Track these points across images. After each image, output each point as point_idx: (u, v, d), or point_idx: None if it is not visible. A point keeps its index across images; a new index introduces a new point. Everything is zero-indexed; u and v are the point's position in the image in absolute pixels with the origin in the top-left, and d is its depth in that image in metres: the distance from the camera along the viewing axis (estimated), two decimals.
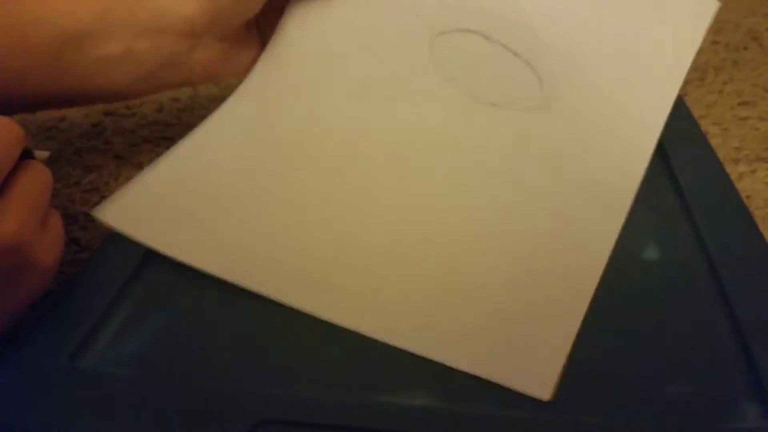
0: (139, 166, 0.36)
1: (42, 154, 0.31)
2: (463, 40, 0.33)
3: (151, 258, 0.27)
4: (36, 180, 0.23)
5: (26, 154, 0.23)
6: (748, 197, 0.33)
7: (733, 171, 0.35)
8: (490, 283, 0.26)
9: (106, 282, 0.26)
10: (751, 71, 0.43)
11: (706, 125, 0.38)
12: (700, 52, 0.34)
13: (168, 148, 0.32)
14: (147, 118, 0.40)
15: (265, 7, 0.33)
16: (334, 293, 0.25)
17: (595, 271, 0.26)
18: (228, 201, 0.28)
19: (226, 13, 0.30)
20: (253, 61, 0.33)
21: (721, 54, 0.46)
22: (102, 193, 0.35)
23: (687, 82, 0.34)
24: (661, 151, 0.32)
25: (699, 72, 0.44)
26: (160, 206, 0.27)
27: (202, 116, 0.37)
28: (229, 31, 0.32)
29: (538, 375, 0.22)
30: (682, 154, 0.32)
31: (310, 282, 0.25)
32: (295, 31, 0.33)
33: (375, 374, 0.22)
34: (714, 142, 0.35)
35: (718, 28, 0.49)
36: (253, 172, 0.29)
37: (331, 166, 0.30)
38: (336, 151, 0.30)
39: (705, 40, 0.34)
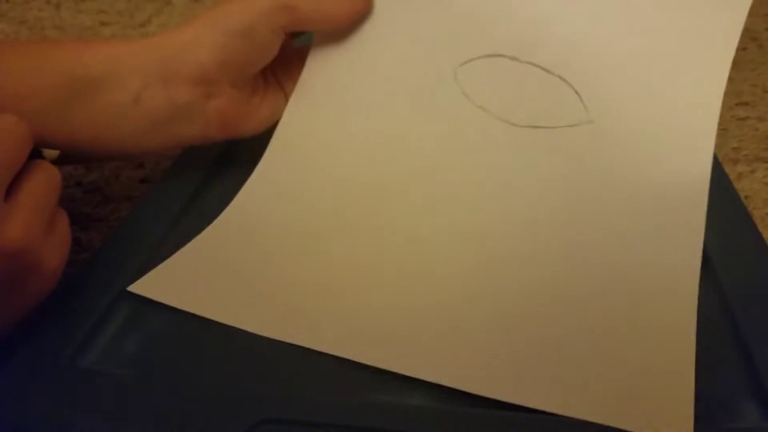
0: (140, 167, 0.36)
1: (51, 153, 0.30)
2: (490, 66, 0.31)
3: (150, 258, 0.27)
4: (44, 181, 0.23)
5: (35, 153, 0.23)
6: (746, 197, 0.33)
7: (731, 171, 0.35)
8: (586, 322, 0.24)
9: (107, 282, 0.26)
10: (750, 72, 0.43)
11: None
12: None
13: None
14: None
15: (284, 58, 0.32)
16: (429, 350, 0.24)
17: (690, 292, 0.24)
18: (266, 262, 0.27)
19: (239, 58, 0.29)
20: (275, 114, 0.32)
21: None
22: (104, 193, 0.35)
23: None
24: None
25: None
26: (194, 276, 0.27)
27: None
28: (245, 80, 0.31)
29: (672, 418, 0.20)
30: None
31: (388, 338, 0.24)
32: (319, 81, 0.32)
33: (374, 374, 0.22)
34: None
35: None
36: (290, 230, 0.29)
37: (371, 217, 0.29)
38: (375, 201, 0.29)
39: None
